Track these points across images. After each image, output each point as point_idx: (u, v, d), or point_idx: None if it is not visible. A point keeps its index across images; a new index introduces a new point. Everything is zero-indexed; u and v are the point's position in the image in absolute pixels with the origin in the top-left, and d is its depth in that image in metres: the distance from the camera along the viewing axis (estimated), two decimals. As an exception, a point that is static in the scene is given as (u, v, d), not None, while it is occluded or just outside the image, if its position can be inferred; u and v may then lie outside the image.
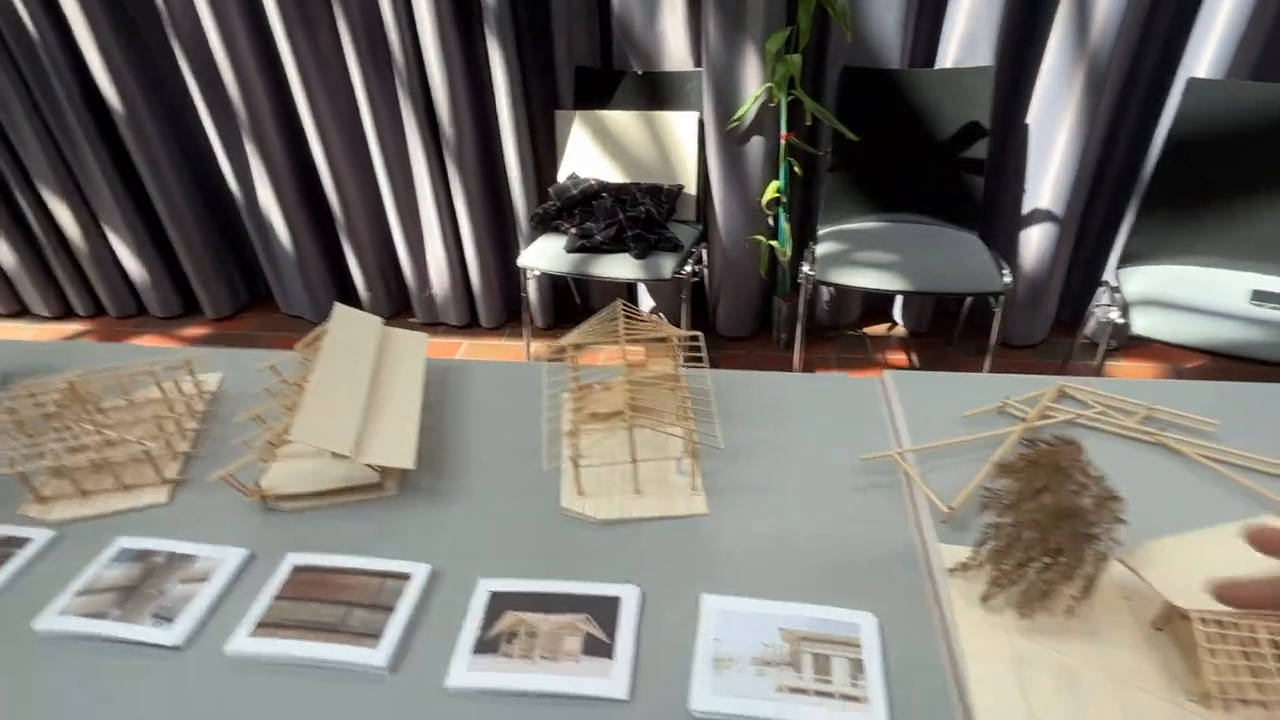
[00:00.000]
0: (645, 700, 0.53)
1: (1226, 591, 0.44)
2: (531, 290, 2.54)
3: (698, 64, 2.14)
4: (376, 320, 0.89)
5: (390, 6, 2.12)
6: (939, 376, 0.88)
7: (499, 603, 0.60)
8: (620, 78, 2.21)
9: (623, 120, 2.20)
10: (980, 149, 2.01)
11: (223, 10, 2.21)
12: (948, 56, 2.02)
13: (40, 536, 0.69)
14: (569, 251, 2.06)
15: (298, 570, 0.64)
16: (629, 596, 0.60)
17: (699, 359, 0.84)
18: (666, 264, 1.99)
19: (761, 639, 0.56)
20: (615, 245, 2.04)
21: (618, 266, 2.00)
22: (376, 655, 0.56)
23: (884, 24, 1.99)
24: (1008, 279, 1.78)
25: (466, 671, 0.55)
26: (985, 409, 0.80)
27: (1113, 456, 0.73)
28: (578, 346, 0.81)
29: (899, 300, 2.54)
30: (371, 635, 0.57)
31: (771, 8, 1.95)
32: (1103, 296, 1.85)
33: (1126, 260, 1.82)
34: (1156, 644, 0.54)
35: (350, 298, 2.70)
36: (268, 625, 0.59)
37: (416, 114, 2.29)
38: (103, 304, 2.93)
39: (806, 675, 0.53)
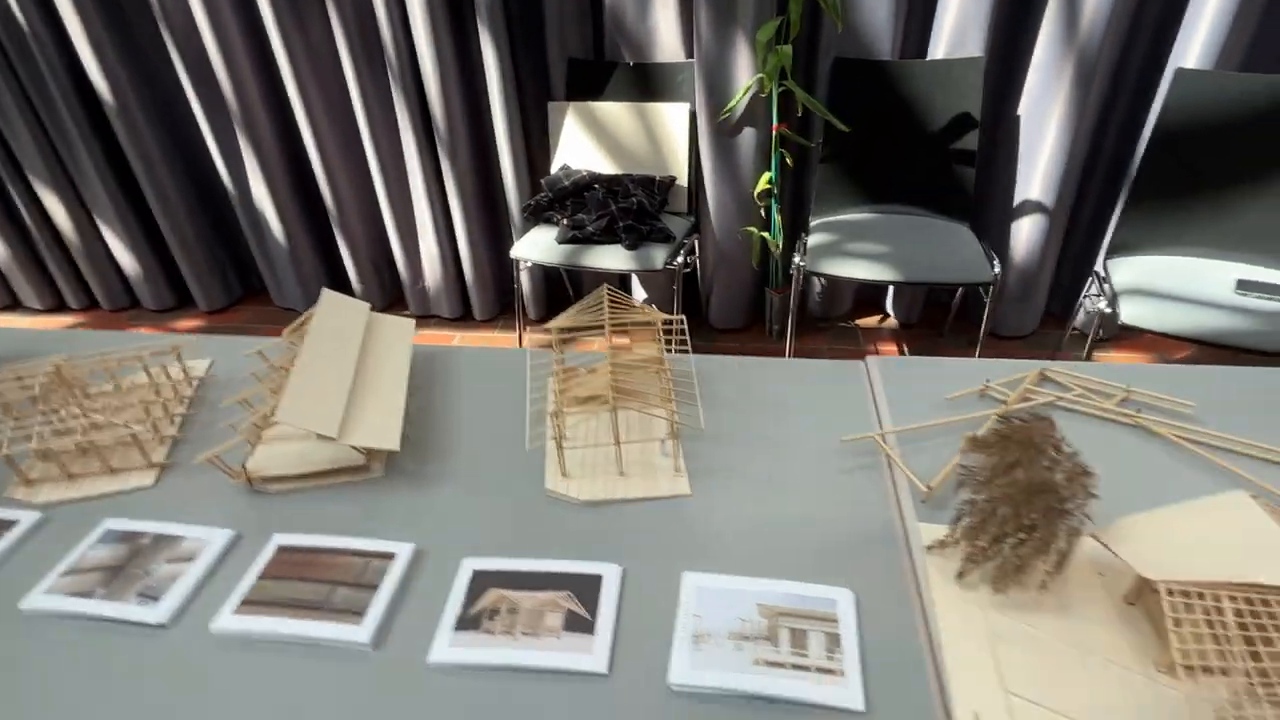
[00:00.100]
0: (625, 674, 0.53)
1: None
2: (524, 282, 2.54)
3: (689, 55, 2.14)
4: (364, 306, 0.89)
5: (382, -2, 2.12)
6: (922, 361, 0.89)
7: (481, 581, 0.61)
8: (612, 69, 2.21)
9: (615, 112, 2.20)
10: (971, 140, 2.01)
11: (214, 3, 2.20)
12: (939, 48, 2.02)
13: (26, 519, 0.69)
14: (560, 243, 2.06)
15: (283, 550, 0.64)
16: (611, 575, 0.61)
17: (684, 344, 0.84)
18: (658, 255, 2.00)
19: (739, 614, 0.56)
20: (607, 236, 2.05)
21: (609, 257, 2.01)
22: (360, 632, 0.56)
23: (875, 15, 2.00)
24: (997, 270, 1.79)
25: (448, 647, 0.55)
26: (967, 391, 0.81)
27: (1092, 438, 0.74)
28: (563, 330, 0.81)
29: (891, 292, 2.55)
30: (355, 613, 0.58)
31: (763, -1, 1.96)
32: (1092, 287, 1.86)
33: (1115, 251, 1.83)
34: (1128, 618, 0.55)
35: (343, 290, 2.70)
36: (252, 603, 0.59)
37: (409, 106, 2.29)
38: (95, 297, 2.92)
39: (783, 649, 0.53)
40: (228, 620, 0.58)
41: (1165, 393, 0.78)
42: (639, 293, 2.60)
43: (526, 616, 0.57)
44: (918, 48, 2.11)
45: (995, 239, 2.22)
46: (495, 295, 2.67)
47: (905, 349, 2.44)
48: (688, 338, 0.83)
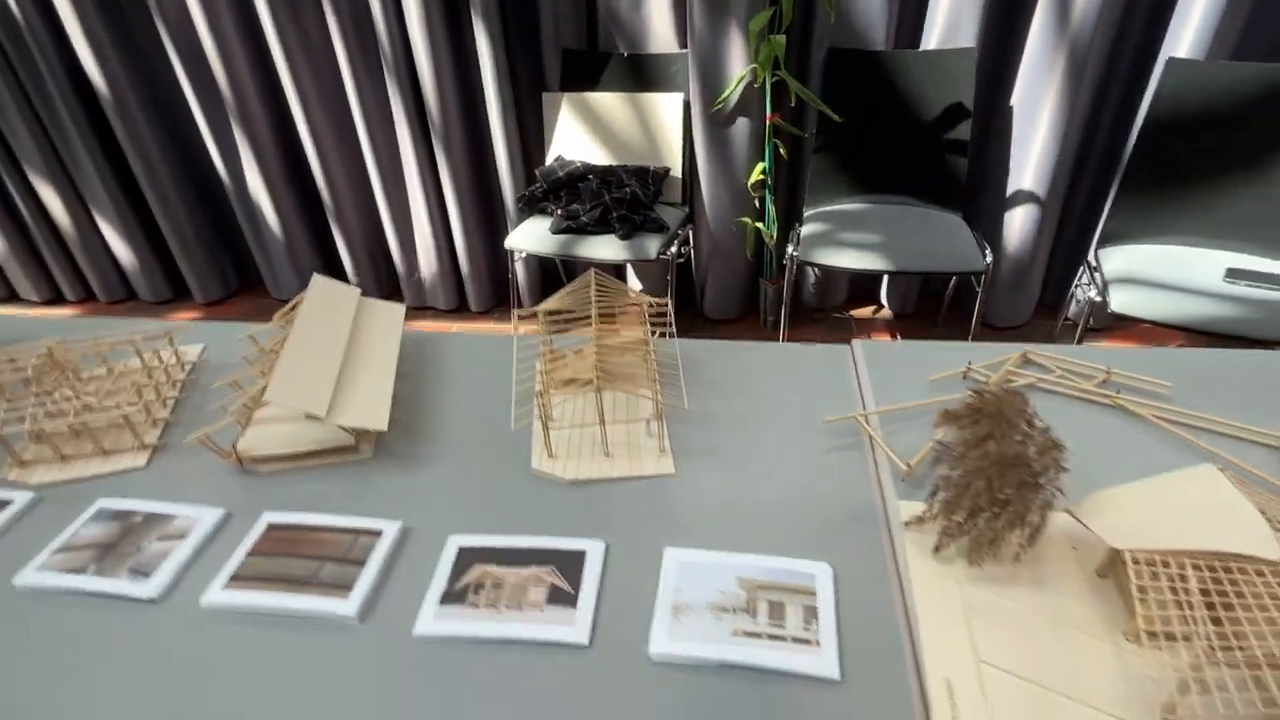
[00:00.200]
0: (606, 645, 0.55)
1: None
2: (519, 272, 2.55)
3: (683, 45, 2.14)
4: (354, 290, 0.90)
5: (376, -11, 2.12)
6: (907, 345, 0.90)
7: (467, 556, 0.62)
8: (606, 60, 2.21)
9: (609, 102, 2.20)
10: (964, 130, 2.02)
11: (208, -6, 2.21)
12: (932, 38, 2.03)
13: (20, 498, 0.70)
14: (554, 233, 2.06)
15: (272, 528, 0.66)
16: (594, 550, 0.62)
17: (669, 327, 0.85)
18: (652, 245, 2.00)
19: (719, 587, 0.57)
20: (601, 227, 2.05)
21: (603, 248, 2.01)
22: (347, 606, 0.57)
23: (868, 5, 2.00)
24: (988, 259, 1.80)
25: (433, 620, 0.56)
26: (950, 373, 0.82)
27: (1072, 417, 0.75)
28: (551, 313, 0.82)
29: (885, 282, 2.56)
30: (342, 587, 0.59)
31: (756, -12, 1.96)
32: (1083, 276, 1.87)
33: (1106, 240, 1.84)
34: (1100, 590, 0.56)
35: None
36: (242, 579, 0.60)
37: (404, 98, 2.29)
38: (92, 290, 2.93)
39: (761, 620, 0.55)
40: (217, 595, 0.59)
41: (1145, 374, 0.79)
42: (634, 285, 2.61)
43: (510, 591, 0.58)
44: (911, 38, 2.12)
45: (988, 229, 2.23)
46: (491, 287, 2.68)
47: (898, 339, 2.45)
48: (672, 321, 0.84)
